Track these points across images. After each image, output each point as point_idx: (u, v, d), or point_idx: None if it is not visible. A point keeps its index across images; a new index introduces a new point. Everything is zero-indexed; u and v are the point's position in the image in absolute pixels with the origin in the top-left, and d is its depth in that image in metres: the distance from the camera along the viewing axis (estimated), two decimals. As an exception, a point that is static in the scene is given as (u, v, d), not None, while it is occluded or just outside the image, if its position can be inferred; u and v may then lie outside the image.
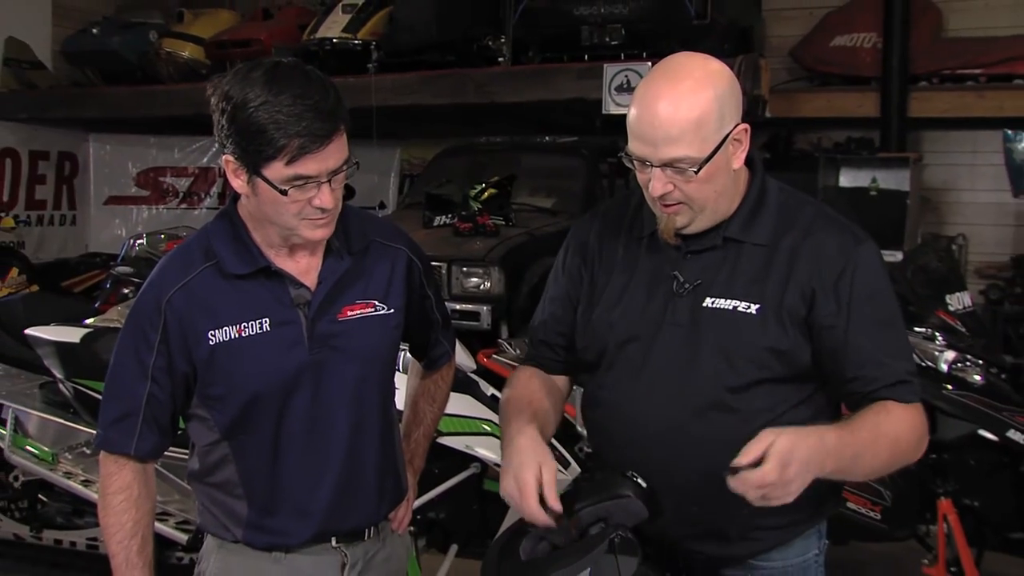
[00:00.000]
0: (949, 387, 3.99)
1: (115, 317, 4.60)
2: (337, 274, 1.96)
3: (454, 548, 3.90)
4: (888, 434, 1.83)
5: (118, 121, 9.76)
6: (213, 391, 1.93)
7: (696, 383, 1.89)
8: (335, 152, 1.80)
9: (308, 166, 1.78)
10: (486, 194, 6.91)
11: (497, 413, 3.67)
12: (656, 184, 1.84)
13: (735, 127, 1.85)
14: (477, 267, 6.33)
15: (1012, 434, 3.92)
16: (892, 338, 1.89)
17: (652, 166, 1.83)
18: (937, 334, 4.11)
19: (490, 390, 3.86)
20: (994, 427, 3.94)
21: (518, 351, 5.12)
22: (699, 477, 1.85)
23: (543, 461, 1.82)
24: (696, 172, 1.81)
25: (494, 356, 4.82)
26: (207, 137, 10.30)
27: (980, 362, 4.06)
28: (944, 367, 4.05)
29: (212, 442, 1.98)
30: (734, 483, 1.67)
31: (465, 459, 3.76)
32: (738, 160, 1.88)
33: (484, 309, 6.23)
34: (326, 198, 1.83)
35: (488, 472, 3.86)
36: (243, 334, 1.90)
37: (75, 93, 9.42)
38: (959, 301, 4.23)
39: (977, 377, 4.03)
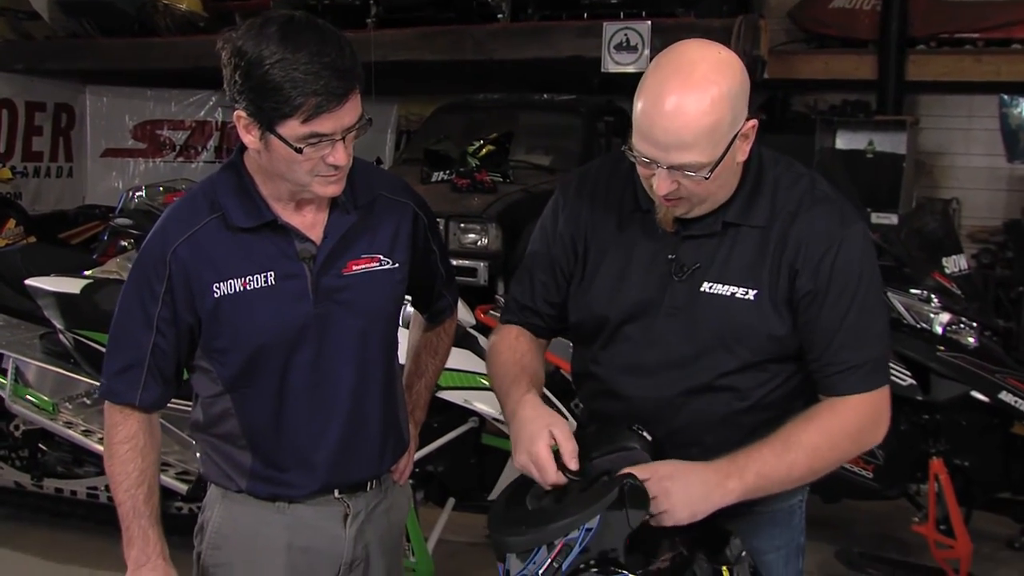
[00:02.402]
0: (943, 349, 4.01)
1: (114, 269, 4.59)
2: (343, 228, 1.93)
3: (451, 502, 3.91)
4: (803, 445, 1.81)
5: (115, 73, 9.66)
6: (217, 344, 1.92)
7: (693, 367, 1.88)
8: (351, 110, 1.77)
9: (324, 124, 1.75)
10: (484, 151, 6.89)
11: None
12: (661, 184, 1.78)
13: (744, 124, 1.79)
14: (475, 223, 6.32)
15: (1004, 396, 3.95)
16: (865, 322, 1.85)
17: (659, 166, 1.77)
18: (933, 296, 4.12)
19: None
20: (986, 389, 3.96)
21: None
22: (696, 451, 1.85)
23: (552, 423, 1.81)
24: (706, 177, 1.76)
25: (491, 312, 4.81)
26: (204, 91, 10.23)
27: (974, 325, 4.08)
28: (939, 329, 4.07)
29: (215, 394, 1.97)
30: None
31: (463, 413, 3.75)
32: (743, 154, 1.83)
33: (481, 265, 6.23)
34: (340, 156, 1.80)
35: (486, 426, 3.85)
36: (248, 287, 1.88)
37: (71, 44, 9.32)
38: (955, 264, 4.23)
39: (971, 339, 4.05)
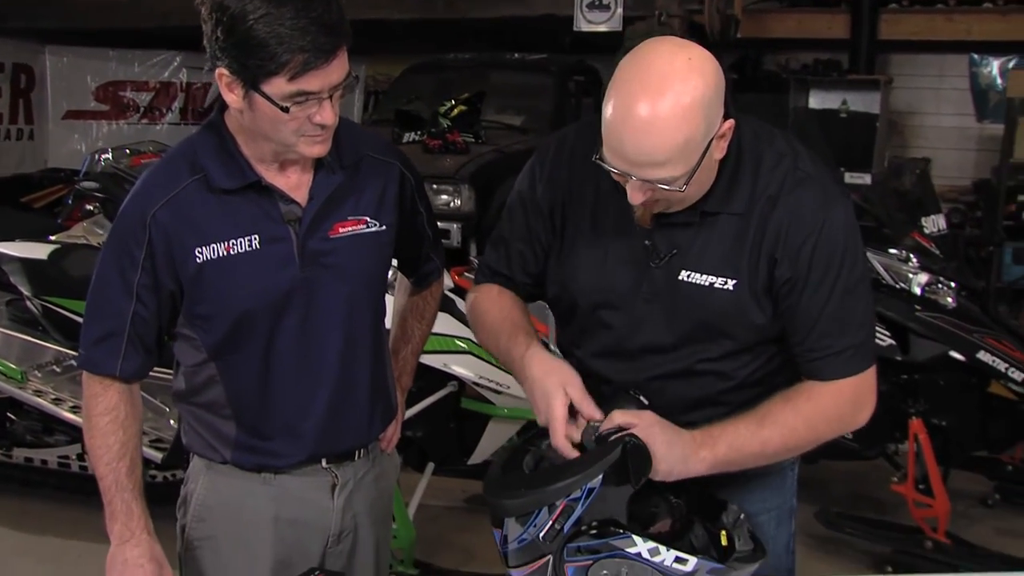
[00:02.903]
0: (921, 309, 4.01)
1: (81, 233, 4.50)
2: (329, 189, 1.87)
3: (431, 467, 3.88)
4: (778, 424, 1.79)
5: (74, 33, 9.44)
6: (200, 310, 1.86)
7: (674, 353, 1.85)
8: (338, 67, 1.71)
9: (311, 82, 1.68)
10: (455, 111, 6.82)
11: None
12: (635, 194, 1.70)
13: (721, 125, 1.69)
14: (447, 184, 6.27)
15: (981, 356, 3.96)
16: (847, 307, 1.80)
17: (631, 178, 1.69)
18: (911, 256, 4.11)
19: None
20: (964, 349, 3.97)
21: None
22: (682, 427, 1.81)
23: (566, 381, 1.78)
24: (682, 189, 1.68)
25: (466, 274, 4.76)
26: (168, 51, 10.04)
27: (952, 285, 4.08)
28: (917, 289, 4.07)
29: (199, 362, 1.91)
30: None
31: (442, 377, 3.72)
32: (721, 152, 1.73)
33: (454, 227, 6.19)
34: (328, 115, 1.74)
35: (465, 390, 3.82)
36: (232, 251, 1.82)
37: (32, 2, 9.07)
38: (934, 224, 4.22)
39: (949, 300, 4.06)
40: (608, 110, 1.66)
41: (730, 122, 1.70)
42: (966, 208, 7.37)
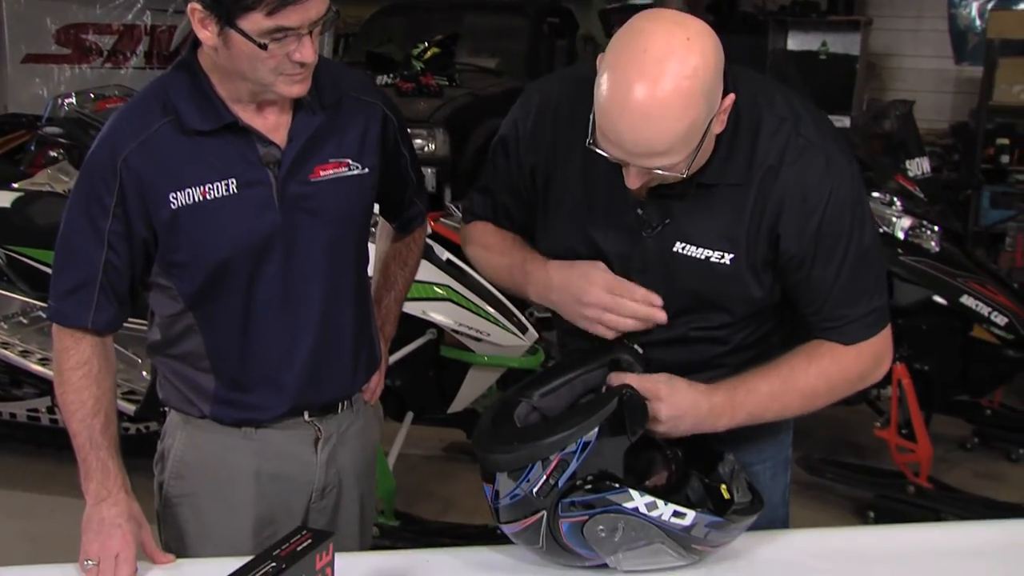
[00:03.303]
0: (904, 253, 3.98)
1: (45, 180, 4.37)
2: (309, 130, 1.80)
3: (410, 416, 3.83)
4: (800, 388, 1.78)
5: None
6: (176, 258, 1.78)
7: (669, 322, 1.78)
8: (318, 1, 1.63)
9: (290, 17, 1.60)
10: (429, 53, 6.74)
11: (452, 278, 3.64)
12: (632, 180, 1.62)
13: (721, 102, 1.59)
14: (421, 128, 6.19)
15: (965, 300, 3.94)
16: (860, 276, 1.75)
17: (629, 164, 1.61)
18: (895, 199, 4.06)
19: (444, 254, 3.74)
20: (948, 293, 3.96)
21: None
22: None
23: (594, 263, 1.76)
24: (683, 174, 1.60)
25: (442, 220, 4.71)
26: (132, -8, 9.80)
27: (936, 228, 4.05)
28: (901, 234, 4.04)
29: (175, 313, 1.85)
30: None
31: (421, 325, 3.64)
32: (721, 125, 1.64)
33: (428, 172, 6.11)
34: (308, 52, 1.66)
35: (444, 338, 3.75)
36: (208, 196, 1.74)
37: (-13, -58, 8.80)
38: (918, 167, 4.19)
39: (933, 244, 4.03)
40: (602, 96, 1.55)
41: (731, 97, 1.61)
42: (943, 152, 7.33)
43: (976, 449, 4.57)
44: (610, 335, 1.75)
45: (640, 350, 1.76)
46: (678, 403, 1.71)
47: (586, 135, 1.62)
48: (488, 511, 1.70)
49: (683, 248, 1.73)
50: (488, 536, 3.49)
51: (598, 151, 1.60)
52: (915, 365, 3.99)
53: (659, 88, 1.49)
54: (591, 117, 1.60)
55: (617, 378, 1.71)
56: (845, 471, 4.19)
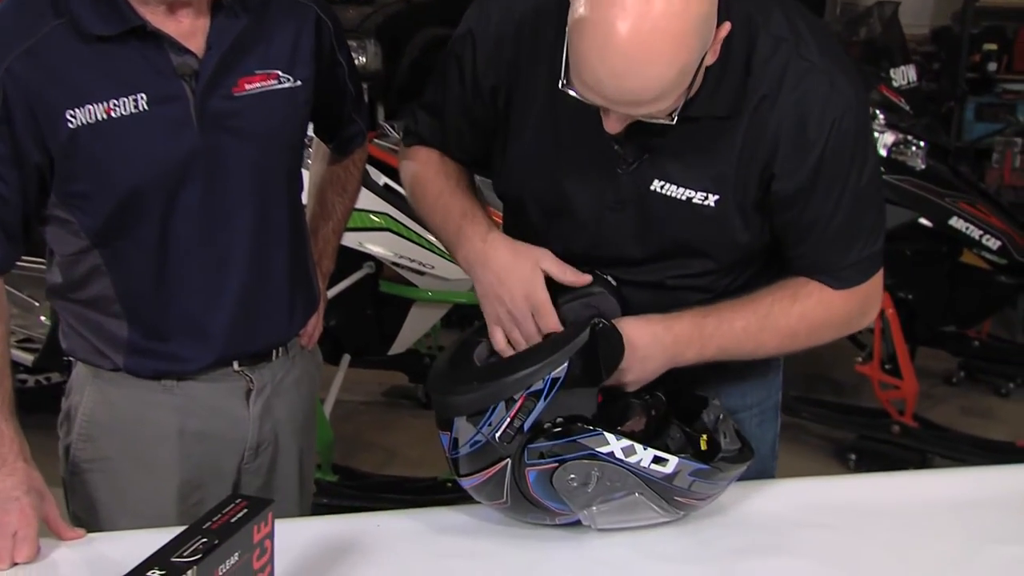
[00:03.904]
0: (885, 170, 3.97)
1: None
2: (230, 37, 1.70)
3: (346, 359, 3.81)
4: (779, 328, 1.73)
5: None
6: (77, 187, 1.69)
7: (643, 267, 1.75)
8: None
9: None
10: (356, -46, 6.60)
11: (391, 204, 3.57)
12: (613, 125, 1.55)
13: (716, 32, 1.51)
14: (350, 40, 6.03)
15: (954, 222, 3.97)
16: (857, 216, 1.70)
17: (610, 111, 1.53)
18: (878, 112, 4.05)
19: (382, 179, 3.69)
20: (935, 214, 3.98)
21: (400, 134, 4.99)
22: None
23: (538, 257, 1.69)
24: (672, 118, 1.53)
25: (376, 141, 4.61)
26: None
27: (921, 144, 4.05)
28: (883, 151, 4.04)
29: (79, 250, 1.76)
30: None
31: (357, 258, 3.62)
32: (714, 55, 1.56)
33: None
34: None
35: (383, 272, 3.74)
36: (113, 114, 1.64)
37: None
38: (903, 76, 4.17)
39: (919, 161, 4.03)
40: (579, 36, 1.46)
41: (726, 26, 1.53)
42: (923, 60, 7.33)
43: (963, 384, 4.65)
44: (502, 345, 1.71)
45: (614, 282, 1.72)
46: (635, 341, 1.66)
47: (554, 62, 1.55)
48: (437, 463, 1.69)
49: (662, 187, 1.67)
50: (438, 490, 3.53)
51: (572, 94, 1.52)
52: (899, 294, 4.02)
53: (645, 29, 1.41)
54: (563, 55, 1.52)
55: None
56: (823, 410, 4.23)
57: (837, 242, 1.71)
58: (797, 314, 1.73)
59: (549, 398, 1.57)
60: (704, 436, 1.69)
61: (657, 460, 1.59)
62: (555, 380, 1.57)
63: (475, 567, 1.62)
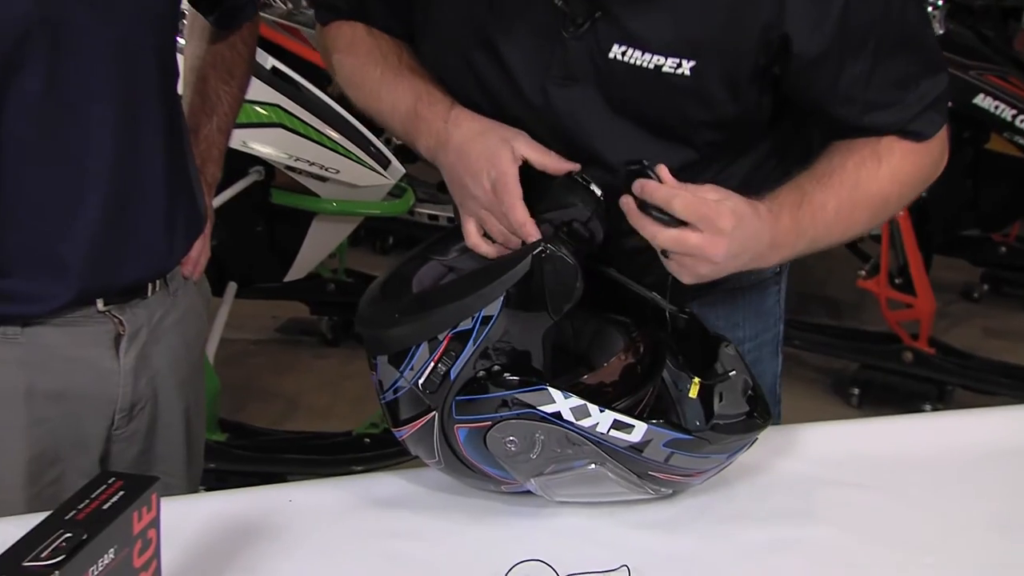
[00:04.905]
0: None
1: None
2: None
3: (232, 287, 3.81)
4: (871, 196, 1.74)
5: None
6: None
7: (601, 158, 1.72)
8: None
9: None
10: None
11: (282, 94, 3.50)
12: None
13: None
14: None
15: (980, 100, 3.98)
16: (911, 60, 1.71)
17: None
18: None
19: (269, 60, 3.67)
20: (956, 92, 3.94)
21: (289, 5, 5.01)
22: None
23: (511, 135, 1.68)
24: None
25: (264, 14, 4.60)
26: None
27: (940, 3, 4.03)
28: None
29: None
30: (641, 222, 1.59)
31: (242, 161, 3.59)
32: None
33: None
34: None
35: (276, 178, 3.73)
36: None
37: None
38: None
39: (936, 25, 4.01)
40: None
41: None
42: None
43: (986, 299, 4.71)
44: (475, 239, 1.72)
45: (598, 191, 1.68)
46: (742, 237, 1.61)
47: None
48: (350, 414, 1.70)
49: (623, 53, 1.63)
50: (355, 447, 3.52)
51: None
52: (911, 192, 4.03)
53: None
54: None
55: (649, 189, 1.60)
56: (819, 336, 4.29)
57: (893, 99, 1.71)
58: (887, 176, 1.74)
59: (480, 339, 1.56)
60: (696, 380, 1.67)
61: (619, 425, 1.55)
62: (488, 318, 1.56)
63: (417, 549, 1.60)
